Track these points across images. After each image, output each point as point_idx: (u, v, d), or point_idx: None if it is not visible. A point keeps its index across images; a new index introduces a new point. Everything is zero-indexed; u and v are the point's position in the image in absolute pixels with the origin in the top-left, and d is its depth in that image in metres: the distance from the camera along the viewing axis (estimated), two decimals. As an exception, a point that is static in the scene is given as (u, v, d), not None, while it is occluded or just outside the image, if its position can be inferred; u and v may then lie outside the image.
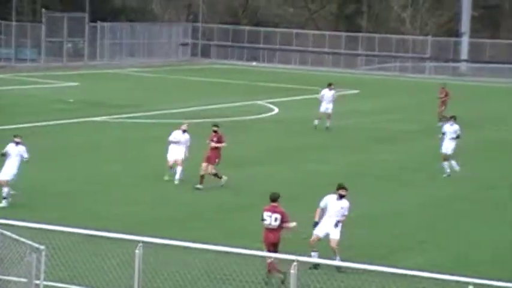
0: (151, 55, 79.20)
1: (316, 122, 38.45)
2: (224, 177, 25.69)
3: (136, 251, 12.95)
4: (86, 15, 73.11)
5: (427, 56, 78.47)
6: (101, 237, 13.92)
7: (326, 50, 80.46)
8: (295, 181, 27.27)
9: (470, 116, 43.48)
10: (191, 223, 21.52)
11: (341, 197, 18.30)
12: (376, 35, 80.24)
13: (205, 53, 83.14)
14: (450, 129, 29.27)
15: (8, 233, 13.15)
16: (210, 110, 44.16)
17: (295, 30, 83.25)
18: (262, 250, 14.06)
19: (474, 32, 78.97)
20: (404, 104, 43.42)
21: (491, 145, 36.38)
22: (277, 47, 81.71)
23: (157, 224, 20.80)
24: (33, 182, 24.78)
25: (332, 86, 39.60)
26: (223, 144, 25.97)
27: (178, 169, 26.06)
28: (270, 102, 48.28)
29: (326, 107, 38.77)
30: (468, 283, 10.93)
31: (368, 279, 14.09)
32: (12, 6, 71.95)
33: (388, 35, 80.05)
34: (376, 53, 79.16)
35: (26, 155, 22.93)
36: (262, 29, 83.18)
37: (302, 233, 18.01)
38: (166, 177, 26.14)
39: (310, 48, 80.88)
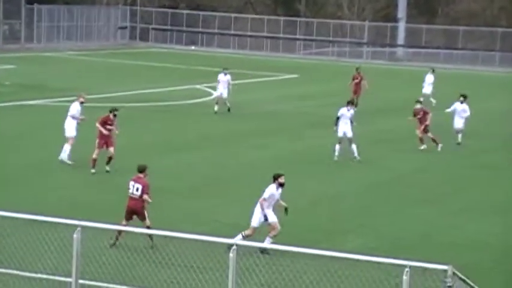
0: (89, 38, 78.42)
1: (215, 108, 38.04)
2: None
3: (75, 235, 12.88)
4: (22, -3, 72.06)
5: (365, 41, 79.11)
6: (39, 221, 13.82)
7: (264, 34, 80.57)
8: (233, 165, 27.36)
9: (406, 100, 43.96)
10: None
11: (281, 185, 18.42)
12: (314, 20, 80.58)
13: (144, 36, 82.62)
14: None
15: None
16: (148, 94, 43.97)
17: (233, 15, 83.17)
18: (204, 234, 14.13)
19: (410, 18, 79.81)
20: (342, 89, 43.77)
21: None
22: (216, 31, 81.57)
23: (95, 208, 20.69)
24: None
25: (227, 71, 39.47)
26: (114, 129, 25.24)
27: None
28: (209, 87, 48.21)
29: (221, 91, 38.57)
30: (405, 265, 11.10)
31: (308, 263, 14.23)
32: None
33: (326, 20, 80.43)
34: (314, 37, 79.52)
35: None
36: (200, 13, 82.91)
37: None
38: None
39: (248, 33, 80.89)
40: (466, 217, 21.96)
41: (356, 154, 28.62)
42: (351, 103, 29.78)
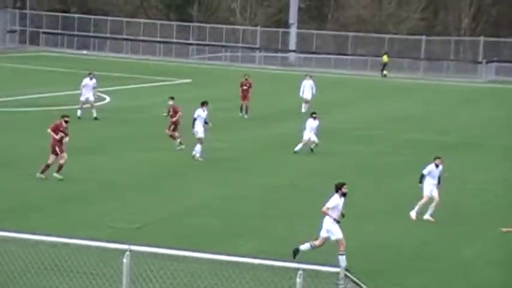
0: (-24, 42, 76.63)
1: (79, 112, 37.56)
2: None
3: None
4: None
5: (257, 46, 79.67)
6: None
7: (157, 39, 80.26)
8: (126, 170, 27.17)
9: (300, 105, 44.59)
10: (31, 213, 21.09)
11: (343, 195, 18.20)
12: (207, 25, 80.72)
13: (34, 40, 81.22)
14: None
15: None
16: (39, 99, 43.24)
17: (125, 19, 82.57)
18: (94, 239, 13.99)
19: (302, 23, 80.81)
20: (235, 94, 44.03)
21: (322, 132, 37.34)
22: (108, 35, 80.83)
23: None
24: None
25: (92, 75, 39.22)
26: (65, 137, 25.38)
27: None
28: (101, 91, 47.72)
29: (87, 96, 38.21)
30: (298, 268, 11.25)
31: (202, 267, 14.26)
32: None
33: (219, 25, 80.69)
34: (207, 42, 79.66)
35: None
36: (92, 17, 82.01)
37: None
38: None
39: (141, 37, 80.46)
40: (359, 220, 22.35)
41: (198, 154, 29.03)
42: (205, 103, 30.08)
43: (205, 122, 29.80)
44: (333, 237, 17.87)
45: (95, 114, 37.52)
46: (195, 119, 29.51)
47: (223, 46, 79.65)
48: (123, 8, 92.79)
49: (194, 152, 29.21)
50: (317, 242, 17.98)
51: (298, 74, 67.73)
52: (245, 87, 41.95)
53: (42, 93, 43.25)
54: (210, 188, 25.31)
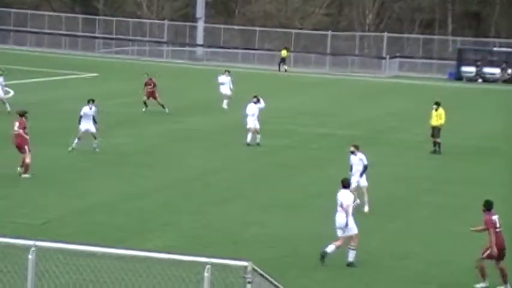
0: None
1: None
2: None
3: None
4: None
5: (164, 40, 79.34)
6: None
7: (62, 32, 79.14)
8: (40, 164, 26.72)
9: (207, 99, 44.60)
10: None
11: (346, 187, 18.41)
12: (114, 18, 79.98)
13: None
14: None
15: None
16: None
17: (29, 11, 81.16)
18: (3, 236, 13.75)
19: (209, 18, 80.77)
20: (138, 88, 43.74)
21: (227, 128, 37.44)
22: (11, 27, 79.30)
23: None
24: None
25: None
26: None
27: None
28: (5, 85, 46.77)
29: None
30: (206, 263, 11.27)
31: (109, 262, 14.15)
32: None
33: (126, 19, 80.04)
34: (113, 36, 78.94)
35: None
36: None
37: None
38: None
39: (46, 30, 79.21)
40: (267, 214, 22.52)
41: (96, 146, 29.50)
42: (91, 101, 30.16)
43: (94, 121, 29.78)
44: (350, 233, 17.93)
45: (9, 109, 37.05)
46: (80, 117, 29.60)
47: (130, 40, 79.03)
48: (26, 0, 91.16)
49: (95, 146, 29.40)
50: (339, 242, 18.02)
51: (206, 69, 67.78)
52: (149, 87, 41.36)
53: None
54: (115, 183, 25.10)
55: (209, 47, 79.01)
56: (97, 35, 79.50)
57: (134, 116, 39.38)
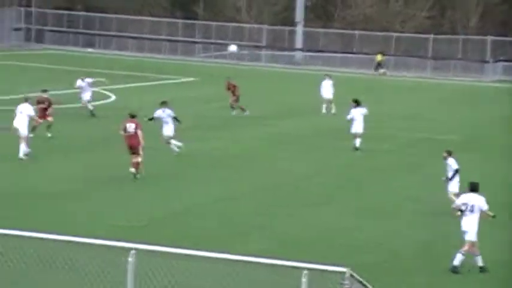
0: (-18, 39, 76.69)
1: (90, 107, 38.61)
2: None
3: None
4: None
5: (263, 44, 79.57)
6: None
7: (163, 37, 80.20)
8: (126, 168, 27.03)
9: (306, 103, 44.51)
10: (33, 211, 21.03)
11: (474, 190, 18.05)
12: (213, 23, 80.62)
13: (39, 38, 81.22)
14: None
15: None
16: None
17: (131, 17, 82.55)
18: (101, 238, 13.89)
19: (308, 22, 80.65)
20: (241, 91, 43.91)
21: (324, 132, 37.26)
22: (114, 33, 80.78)
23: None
24: None
25: (84, 77, 39.70)
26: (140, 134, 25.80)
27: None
28: (107, 89, 47.71)
29: (85, 95, 38.94)
30: (303, 268, 11.17)
31: (207, 267, 14.18)
32: None
33: (225, 23, 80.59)
34: (213, 40, 79.59)
35: None
36: (98, 14, 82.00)
37: None
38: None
39: (146, 35, 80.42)
40: (362, 218, 22.28)
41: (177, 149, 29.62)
42: (164, 103, 30.34)
43: (177, 120, 29.92)
44: (471, 238, 17.73)
45: (91, 108, 38.57)
46: (152, 118, 29.69)
47: (229, 44, 79.53)
48: (128, 6, 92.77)
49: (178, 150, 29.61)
50: (466, 247, 17.79)
51: (304, 73, 67.68)
52: (231, 90, 41.69)
53: (58, 91, 43.01)
54: (209, 186, 25.22)
55: (308, 51, 78.89)
56: (196, 39, 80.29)
57: (230, 120, 39.57)
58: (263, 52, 79.36)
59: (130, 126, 25.33)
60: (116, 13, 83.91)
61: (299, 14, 79.11)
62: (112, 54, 76.09)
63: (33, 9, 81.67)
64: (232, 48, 37.37)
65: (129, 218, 20.74)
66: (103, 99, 44.39)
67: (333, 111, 42.13)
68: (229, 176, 27.04)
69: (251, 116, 40.75)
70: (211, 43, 79.81)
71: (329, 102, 42.99)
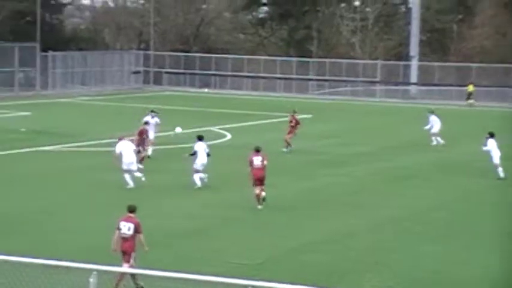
0: (103, 83, 79.01)
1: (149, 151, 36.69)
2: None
3: (91, 280, 12.92)
4: (37, 45, 72.81)
5: (377, 79, 79.31)
6: (53, 266, 13.86)
7: (277, 75, 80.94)
8: (244, 205, 27.31)
9: (423, 137, 44.08)
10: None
11: None
12: (327, 60, 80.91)
13: (157, 80, 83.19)
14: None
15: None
16: (162, 137, 44.10)
17: (246, 57, 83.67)
18: (215, 275, 14.11)
19: (423, 56, 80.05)
20: (356, 128, 43.86)
21: (440, 166, 36.79)
22: (229, 73, 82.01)
23: (106, 252, 20.64)
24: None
25: (154, 113, 38.80)
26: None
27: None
28: (223, 128, 48.42)
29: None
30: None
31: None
32: (-39, 37, 71.49)
33: (339, 60, 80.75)
34: (327, 77, 79.82)
35: None
36: (213, 55, 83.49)
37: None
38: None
39: (261, 74, 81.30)
40: (484, 253, 21.87)
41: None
42: (200, 137, 30.51)
43: (208, 154, 30.44)
44: None
45: (149, 153, 36.45)
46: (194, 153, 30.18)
47: (343, 81, 79.63)
48: (243, 46, 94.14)
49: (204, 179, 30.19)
50: None
51: (420, 107, 67.02)
52: (292, 124, 41.27)
53: (165, 132, 43.95)
54: (324, 223, 25.19)
55: (423, 85, 78.19)
56: (311, 77, 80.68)
57: (345, 156, 39.50)
58: (377, 87, 79.07)
59: (258, 159, 26.60)
60: (231, 53, 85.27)
61: (414, 48, 78.64)
62: (227, 93, 77.19)
63: (151, 52, 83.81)
64: (178, 130, 37.10)
65: (245, 255, 20.92)
66: (219, 138, 45.03)
67: (441, 142, 41.96)
68: (345, 211, 26.99)
69: (366, 152, 40.62)
70: (325, 80, 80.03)
71: (437, 135, 42.85)
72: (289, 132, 40.94)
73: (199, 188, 29.80)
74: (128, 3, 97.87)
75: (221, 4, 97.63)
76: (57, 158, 37.65)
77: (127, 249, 17.71)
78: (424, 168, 35.98)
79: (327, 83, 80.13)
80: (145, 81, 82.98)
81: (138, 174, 30.10)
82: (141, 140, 33.69)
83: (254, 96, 75.82)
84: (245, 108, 62.83)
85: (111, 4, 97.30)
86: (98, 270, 12.89)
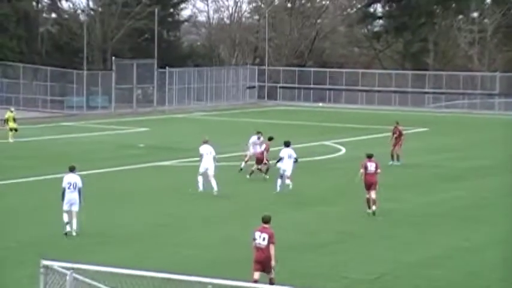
0: (219, 99, 79.99)
1: (242, 165, 36.58)
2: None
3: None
4: (155, 62, 74.33)
5: (496, 92, 77.68)
6: (173, 280, 13.99)
7: (392, 89, 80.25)
8: (359, 220, 27.09)
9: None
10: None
11: None
12: (444, 73, 79.82)
13: (272, 95, 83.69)
14: None
15: (81, 277, 13.31)
16: (276, 152, 44.27)
17: (361, 70, 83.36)
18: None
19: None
20: (474, 141, 43.01)
21: None
22: (344, 87, 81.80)
23: (223, 266, 20.78)
24: (103, 225, 25.15)
25: (260, 134, 37.53)
26: None
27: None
28: (337, 143, 48.26)
29: (252, 152, 36.80)
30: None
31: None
32: (83, 55, 73.57)
33: (456, 72, 79.55)
34: (443, 90, 78.69)
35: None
36: (328, 70, 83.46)
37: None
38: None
39: (376, 88, 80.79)
40: None
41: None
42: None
43: (296, 160, 32.03)
44: None
45: (242, 165, 36.64)
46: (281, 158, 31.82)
47: (460, 93, 78.33)
48: (358, 60, 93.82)
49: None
50: None
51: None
52: (396, 135, 40.51)
53: (280, 146, 44.17)
54: (444, 237, 24.71)
55: (544, 97, 76.26)
56: (427, 90, 79.67)
57: (463, 170, 38.76)
58: (496, 100, 77.42)
59: (372, 165, 27.75)
60: (345, 67, 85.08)
61: (534, 59, 76.78)
62: (342, 107, 76.93)
63: (266, 67, 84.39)
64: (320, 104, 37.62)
65: (362, 270, 20.71)
66: (334, 153, 44.89)
67: None
68: (465, 226, 26.43)
69: (485, 166, 39.76)
70: (442, 93, 78.90)
71: None
72: (395, 145, 40.38)
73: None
74: (243, 19, 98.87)
75: (336, 18, 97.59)
76: (175, 172, 38.20)
77: (261, 259, 17.59)
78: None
79: (443, 96, 78.98)
80: (260, 96, 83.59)
81: (213, 183, 30.83)
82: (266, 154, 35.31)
83: (368, 110, 75.33)
84: (360, 122, 62.48)
85: (226, 20, 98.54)
86: (212, 284, 12.92)
